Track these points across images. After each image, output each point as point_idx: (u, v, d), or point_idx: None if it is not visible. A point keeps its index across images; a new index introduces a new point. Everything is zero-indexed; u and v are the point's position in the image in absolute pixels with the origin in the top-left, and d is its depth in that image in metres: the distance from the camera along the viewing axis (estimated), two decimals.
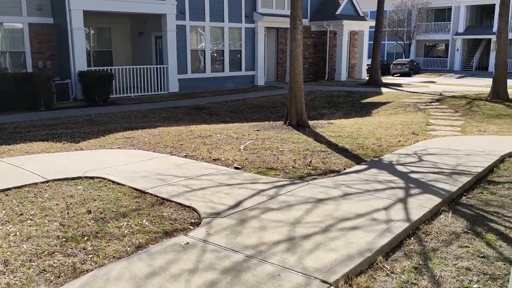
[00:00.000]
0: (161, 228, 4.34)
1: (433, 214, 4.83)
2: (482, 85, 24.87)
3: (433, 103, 15.58)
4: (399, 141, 8.71)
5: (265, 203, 4.98)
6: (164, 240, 4.07)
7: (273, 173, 6.38)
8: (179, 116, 13.92)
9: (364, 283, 3.37)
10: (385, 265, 3.68)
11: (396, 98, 17.58)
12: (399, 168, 6.57)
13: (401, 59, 39.48)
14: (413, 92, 19.72)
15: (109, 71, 16.45)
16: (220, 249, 3.82)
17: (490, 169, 6.70)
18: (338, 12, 24.70)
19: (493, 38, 40.83)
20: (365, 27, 26.52)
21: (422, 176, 6.10)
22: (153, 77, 18.37)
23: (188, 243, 3.93)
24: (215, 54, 21.19)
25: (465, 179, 5.97)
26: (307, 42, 24.42)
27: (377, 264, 3.68)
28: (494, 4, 40.58)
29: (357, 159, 7.22)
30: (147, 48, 20.28)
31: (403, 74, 36.40)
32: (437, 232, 4.38)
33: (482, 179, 6.26)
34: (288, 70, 23.54)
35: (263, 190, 5.45)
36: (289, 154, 7.48)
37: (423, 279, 3.47)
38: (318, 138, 8.93)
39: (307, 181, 5.93)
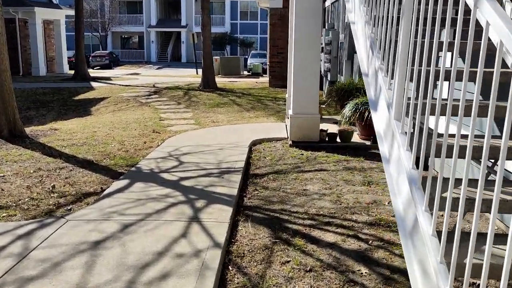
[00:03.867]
0: None
1: (233, 227, 4.25)
2: (184, 75, 26.42)
3: (152, 96, 15.26)
4: (145, 142, 7.83)
5: (15, 269, 3.29)
6: None
7: (4, 214, 4.48)
8: None
9: None
10: None
11: (112, 93, 16.47)
12: (166, 176, 5.73)
13: (100, 51, 38.13)
14: (127, 86, 19.01)
15: None
16: None
17: (247, 162, 6.67)
18: None
19: (182, 31, 44.34)
20: (62, 16, 24.00)
21: (196, 183, 5.45)
22: None
23: None
24: None
25: (236, 178, 5.65)
26: None
27: None
28: (180, 0, 43.94)
29: (111, 173, 5.97)
30: None
31: (104, 67, 35.32)
32: (249, 251, 3.79)
33: (247, 173, 6.12)
34: None
35: (2, 248, 3.66)
36: (17, 180, 5.54)
37: None
38: (48, 151, 7.09)
39: (62, 216, 4.38)
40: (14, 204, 4.74)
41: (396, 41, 3.01)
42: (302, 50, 7.40)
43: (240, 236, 4.09)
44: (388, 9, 3.13)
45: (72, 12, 22.47)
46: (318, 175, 6.02)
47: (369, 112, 7.57)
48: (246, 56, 35.09)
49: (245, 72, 27.65)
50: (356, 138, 7.97)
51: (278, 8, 17.12)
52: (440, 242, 2.13)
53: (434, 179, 2.35)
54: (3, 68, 7.43)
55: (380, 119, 3.21)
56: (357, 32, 4.19)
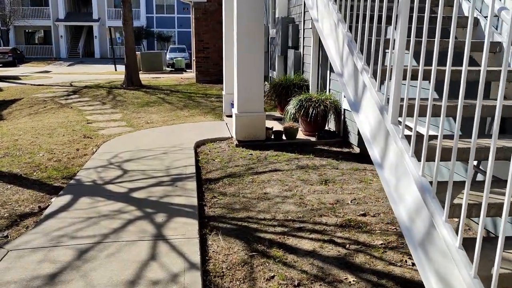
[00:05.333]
0: None
1: (202, 242, 3.92)
2: (102, 72, 24.98)
3: (72, 96, 14.13)
4: (78, 149, 7.12)
5: None
6: None
7: None
8: None
9: None
10: None
11: (24, 94, 15.01)
12: (113, 188, 5.20)
13: (1, 47, 34.84)
14: (40, 85, 17.48)
15: None
16: None
17: (197, 166, 6.31)
18: None
19: (94, 25, 41.94)
20: None
21: (148, 194, 5.00)
22: None
23: None
24: None
25: (191, 185, 5.29)
26: None
27: None
28: None
29: (46, 187, 5.31)
30: None
31: (7, 64, 32.39)
32: (228, 268, 3.50)
33: (199, 179, 5.76)
34: None
35: None
36: None
37: None
38: None
39: (0, 246, 3.75)
40: None
41: (385, 41, 2.88)
42: (245, 48, 7.14)
43: (213, 252, 3.77)
44: (373, 8, 2.98)
45: None
46: (274, 176, 5.84)
47: (314, 109, 7.54)
48: (165, 51, 33.97)
49: (167, 68, 26.77)
50: (300, 134, 7.91)
51: (202, 2, 16.66)
52: (473, 254, 2.02)
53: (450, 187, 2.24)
54: None
55: (366, 121, 3.07)
56: (323, 30, 4.03)
